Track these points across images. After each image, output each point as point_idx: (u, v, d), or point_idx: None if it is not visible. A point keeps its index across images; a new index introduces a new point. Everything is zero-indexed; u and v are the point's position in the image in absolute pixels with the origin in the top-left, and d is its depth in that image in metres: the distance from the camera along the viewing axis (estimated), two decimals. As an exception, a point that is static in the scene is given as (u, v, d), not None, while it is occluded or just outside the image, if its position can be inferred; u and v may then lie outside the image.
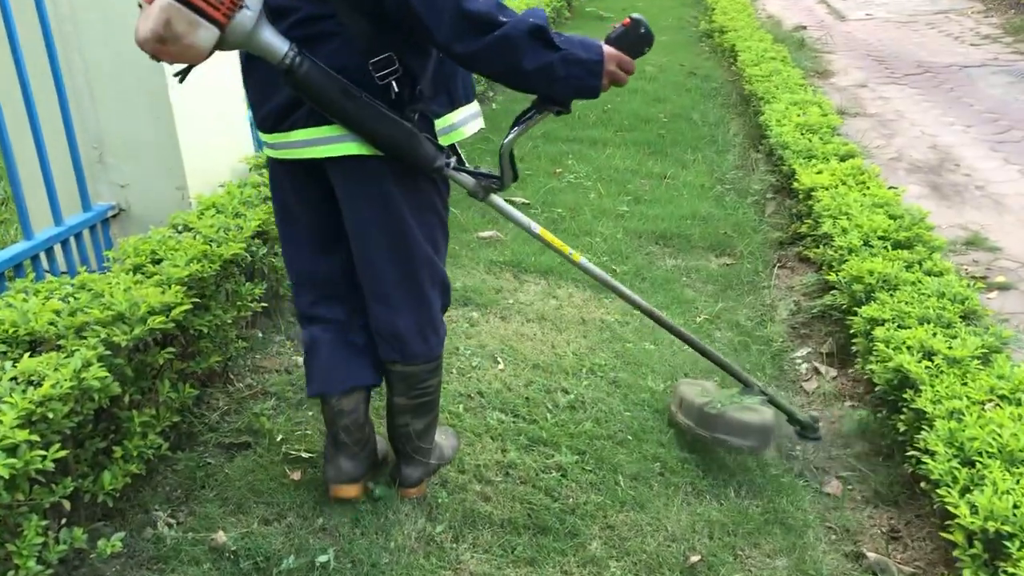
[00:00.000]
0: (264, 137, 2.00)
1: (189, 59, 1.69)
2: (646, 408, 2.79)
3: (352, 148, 1.87)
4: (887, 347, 2.73)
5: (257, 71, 1.93)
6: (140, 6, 1.67)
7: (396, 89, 1.82)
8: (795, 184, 4.36)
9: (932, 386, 2.49)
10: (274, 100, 1.90)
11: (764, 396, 2.71)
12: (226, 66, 3.20)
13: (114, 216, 3.14)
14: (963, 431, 2.22)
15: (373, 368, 2.23)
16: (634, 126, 6.14)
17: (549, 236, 2.31)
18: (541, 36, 1.79)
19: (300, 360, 2.92)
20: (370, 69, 1.79)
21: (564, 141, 5.72)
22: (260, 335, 3.02)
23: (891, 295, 3.06)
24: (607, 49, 1.87)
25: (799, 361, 3.34)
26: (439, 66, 1.94)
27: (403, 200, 1.97)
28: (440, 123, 1.97)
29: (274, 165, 2.07)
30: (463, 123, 2.05)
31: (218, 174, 3.27)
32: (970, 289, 3.04)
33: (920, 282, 3.14)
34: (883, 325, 2.89)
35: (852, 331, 3.07)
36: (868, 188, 4.10)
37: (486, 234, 4.14)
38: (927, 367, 2.58)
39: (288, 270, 2.24)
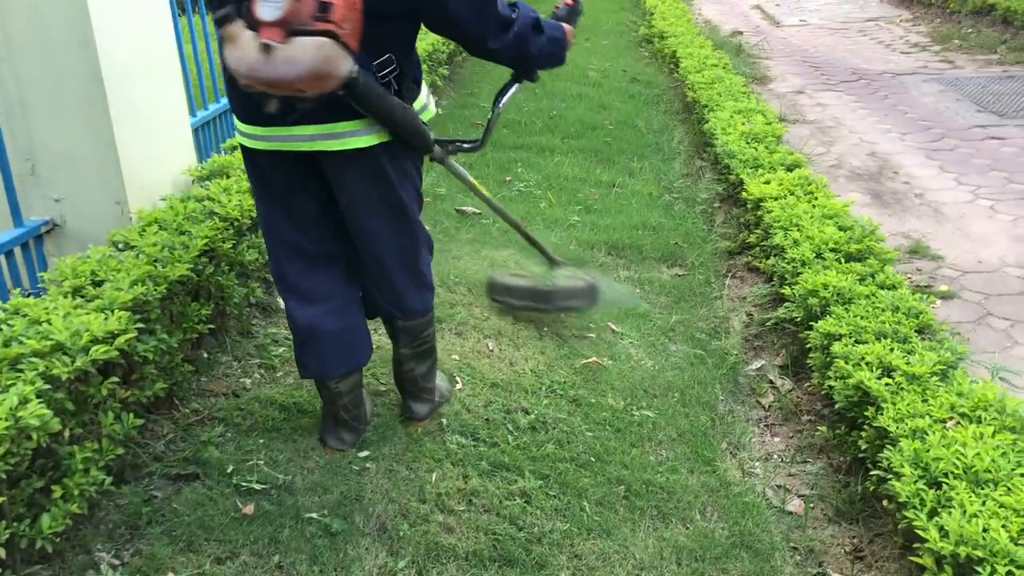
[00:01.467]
0: (255, 130, 2.09)
1: (324, 90, 1.84)
2: (607, 427, 2.75)
3: (362, 141, 2.07)
4: (846, 363, 2.73)
5: None
6: (266, 47, 1.74)
7: (396, 87, 2.09)
8: (743, 194, 4.37)
9: (894, 403, 2.50)
10: (277, 98, 1.93)
11: (571, 266, 3.35)
12: (167, 75, 3.07)
13: (48, 232, 2.97)
14: (927, 451, 2.23)
15: (367, 343, 2.48)
16: (581, 133, 6.11)
17: (479, 186, 2.79)
18: (537, 26, 2.27)
19: (248, 383, 2.81)
20: (374, 69, 2.01)
21: (512, 148, 5.66)
22: (206, 356, 2.89)
23: (846, 309, 3.07)
24: (566, 27, 2.45)
25: (754, 374, 3.34)
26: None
27: (396, 178, 2.20)
28: (416, 105, 2.20)
29: (259, 154, 2.16)
30: (429, 102, 2.31)
31: (159, 187, 3.13)
32: (923, 302, 3.07)
33: (874, 295, 3.15)
34: (840, 340, 2.89)
35: (808, 345, 3.08)
36: (816, 199, 4.13)
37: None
38: (887, 384, 2.58)
39: (274, 248, 2.33)
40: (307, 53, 1.75)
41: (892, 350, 2.76)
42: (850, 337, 2.90)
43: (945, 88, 8.44)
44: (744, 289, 4.10)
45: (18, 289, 2.62)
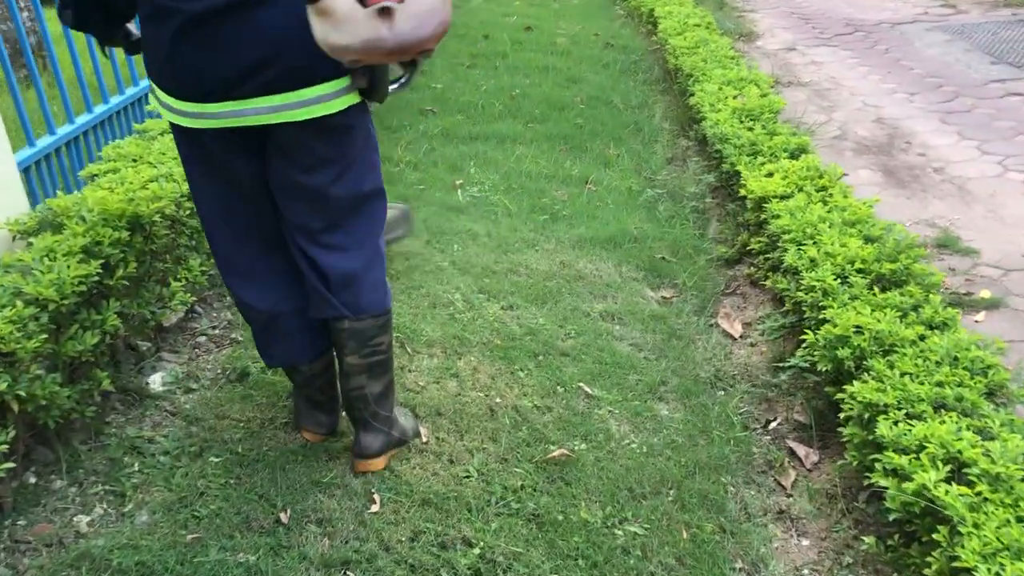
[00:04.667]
0: (198, 107, 1.81)
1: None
2: (580, 560, 2.02)
3: (334, 106, 1.83)
4: (899, 455, 2.01)
5: (188, 40, 1.75)
6: (385, 10, 1.51)
7: None
8: (742, 191, 3.61)
9: (976, 526, 1.78)
10: (223, 68, 1.76)
11: None
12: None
13: None
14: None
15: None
16: (547, 115, 5.31)
17: None
18: None
19: (84, 523, 2.05)
20: None
21: (467, 140, 4.86)
22: (34, 481, 2.14)
23: (889, 364, 2.34)
24: None
25: (769, 440, 2.61)
26: None
27: (361, 145, 1.96)
28: None
29: (199, 133, 1.90)
30: None
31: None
32: (991, 353, 2.33)
33: (923, 341, 2.42)
34: (886, 413, 2.16)
35: (840, 411, 2.35)
36: (831, 196, 3.38)
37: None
38: (961, 494, 1.86)
39: (218, 234, 2.08)
40: (434, 5, 1.54)
41: (960, 431, 2.03)
42: (899, 408, 2.17)
43: (951, 37, 7.64)
44: (748, 311, 3.35)
45: None
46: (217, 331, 2.92)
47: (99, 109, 3.64)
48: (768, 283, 3.22)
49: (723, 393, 2.81)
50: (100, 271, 2.21)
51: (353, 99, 1.86)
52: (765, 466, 2.51)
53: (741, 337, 3.17)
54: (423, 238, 3.49)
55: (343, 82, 1.82)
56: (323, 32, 1.57)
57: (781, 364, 2.82)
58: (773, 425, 2.69)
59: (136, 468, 2.21)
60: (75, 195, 2.53)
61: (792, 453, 2.57)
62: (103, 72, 3.78)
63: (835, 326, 2.50)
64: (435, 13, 1.55)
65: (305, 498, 2.13)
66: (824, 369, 2.51)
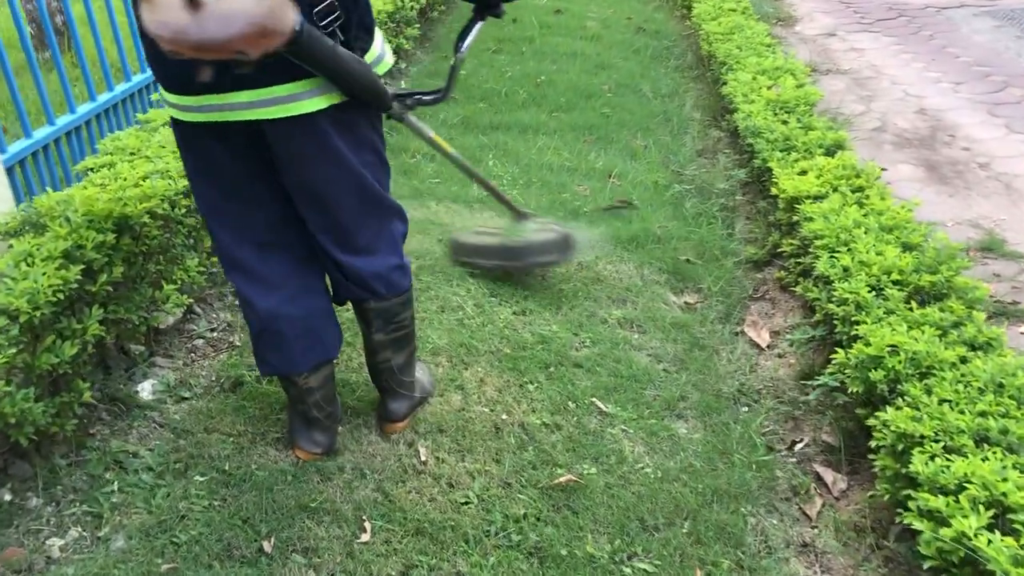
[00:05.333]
0: (185, 100, 1.79)
1: (268, 50, 1.53)
2: (585, 601, 1.86)
3: (310, 105, 1.78)
4: (936, 496, 1.83)
5: None
6: (194, 3, 1.41)
7: (341, 36, 1.77)
8: (773, 189, 3.41)
9: (1020, 583, 1.60)
10: (207, 63, 1.66)
11: (540, 218, 3.16)
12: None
13: None
14: None
15: (335, 332, 2.18)
16: (572, 104, 5.11)
17: (439, 140, 2.45)
18: None
19: (57, 548, 1.93)
20: (315, 18, 1.70)
21: (487, 130, 4.68)
22: (9, 499, 2.03)
23: (926, 388, 2.15)
24: None
25: (794, 464, 2.43)
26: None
27: (352, 145, 1.91)
28: (369, 58, 1.88)
29: (193, 128, 1.85)
30: (384, 52, 1.97)
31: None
32: (1039, 379, 2.14)
33: (964, 364, 2.23)
34: (922, 445, 1.98)
35: (872, 436, 2.17)
36: (867, 197, 3.17)
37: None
38: (1006, 545, 1.68)
39: (219, 231, 2.01)
40: (245, 5, 1.45)
41: (1004, 470, 1.85)
42: (936, 440, 1.98)
43: (1001, 23, 7.31)
44: (776, 318, 3.17)
45: None
46: (215, 334, 2.79)
47: (103, 98, 3.52)
48: (799, 289, 3.03)
49: (747, 410, 2.64)
50: (80, 277, 2.08)
51: (332, 100, 1.80)
52: (789, 492, 2.34)
53: (768, 347, 2.99)
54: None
55: (318, 81, 1.76)
56: (142, 16, 1.49)
57: (810, 380, 2.64)
58: (799, 447, 2.52)
59: (116, 487, 2.08)
60: (63, 192, 2.40)
61: (819, 478, 2.40)
62: (107, 60, 3.65)
63: (868, 344, 2.31)
64: (246, 14, 1.45)
65: (291, 524, 2.00)
66: (855, 391, 2.33)
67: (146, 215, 2.36)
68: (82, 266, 2.11)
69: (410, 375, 2.34)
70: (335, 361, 2.30)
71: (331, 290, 2.16)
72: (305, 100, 1.77)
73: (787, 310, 3.19)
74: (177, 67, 1.67)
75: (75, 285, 2.06)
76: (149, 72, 3.93)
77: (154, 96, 3.74)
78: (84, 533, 1.97)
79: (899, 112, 5.48)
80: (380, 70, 1.93)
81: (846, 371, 2.38)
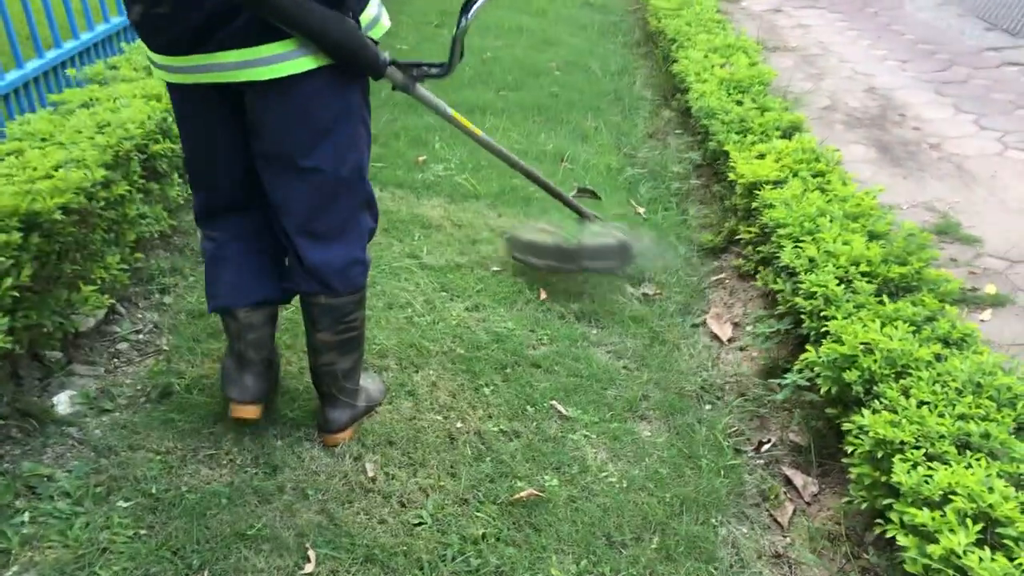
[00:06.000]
0: (169, 60, 1.75)
1: None
2: (550, 635, 1.72)
3: (295, 66, 1.71)
4: (920, 509, 1.73)
5: None
6: None
7: None
8: (731, 175, 3.29)
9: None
10: (190, 20, 1.66)
11: (599, 221, 3.03)
12: None
13: None
14: None
15: (281, 285, 2.09)
16: (520, 82, 4.93)
17: (462, 119, 2.39)
18: None
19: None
20: None
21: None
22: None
23: (903, 390, 2.05)
24: None
25: (761, 466, 2.32)
26: None
27: (334, 117, 1.82)
28: (364, 19, 1.79)
29: (176, 87, 1.83)
30: (381, 14, 1.88)
31: None
32: (1019, 378, 2.05)
33: (941, 361, 2.13)
34: (903, 452, 1.88)
35: (843, 435, 2.07)
36: (828, 183, 3.07)
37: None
38: (998, 565, 1.58)
39: (195, 184, 2.03)
40: None
41: (990, 477, 1.76)
42: (916, 447, 1.88)
43: (943, 1, 7.31)
44: (736, 308, 3.05)
45: None
46: (141, 336, 2.57)
47: (12, 75, 3.23)
48: (759, 280, 2.92)
49: (710, 408, 2.52)
50: (-20, 284, 1.86)
51: (320, 61, 1.73)
52: (758, 497, 2.23)
53: (730, 340, 2.87)
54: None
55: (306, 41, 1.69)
56: None
57: (775, 376, 2.53)
58: (766, 447, 2.41)
59: (27, 517, 1.87)
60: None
61: (788, 481, 2.29)
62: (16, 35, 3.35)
63: (840, 343, 2.20)
64: None
65: (227, 555, 1.81)
66: (827, 390, 2.22)
67: (58, 211, 2.12)
68: (-17, 270, 1.88)
69: (354, 382, 2.19)
70: (278, 312, 2.25)
71: (280, 282, 2.09)
72: (290, 60, 1.70)
73: (746, 300, 3.08)
74: (163, 24, 1.68)
75: None
76: (71, 44, 3.65)
77: (71, 72, 3.45)
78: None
79: (848, 91, 5.43)
80: (375, 34, 1.84)
81: (816, 369, 2.26)
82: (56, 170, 2.30)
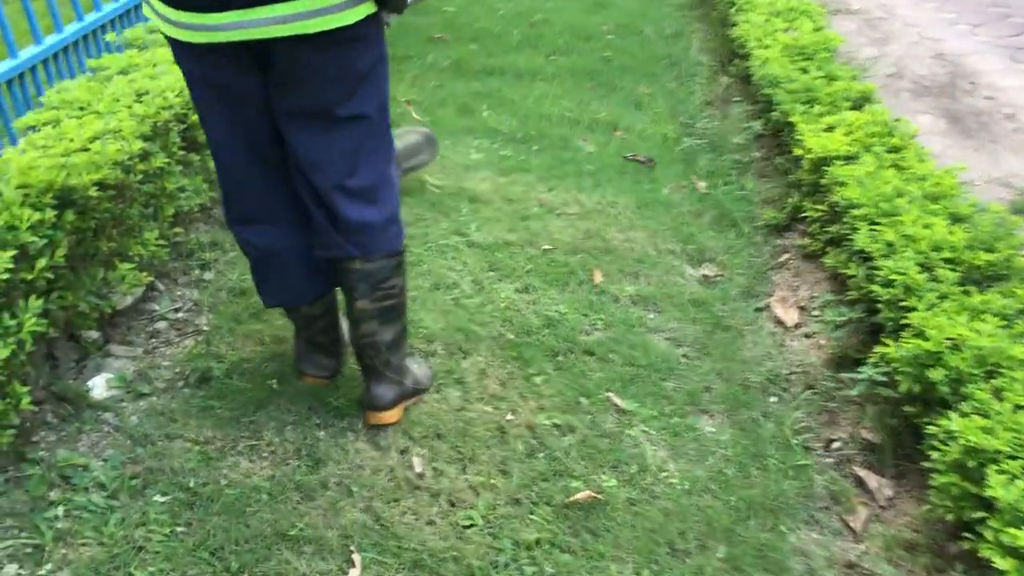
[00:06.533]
0: (197, 18, 1.61)
1: None
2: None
3: (350, 16, 1.63)
4: (1021, 528, 1.57)
5: None
6: None
7: None
8: (797, 149, 3.10)
9: None
10: None
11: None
12: None
13: None
14: None
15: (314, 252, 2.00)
16: (571, 46, 4.74)
17: None
18: None
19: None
20: None
21: (480, 75, 4.31)
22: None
23: (995, 392, 1.88)
24: None
25: (832, 465, 2.17)
26: None
27: (372, 63, 1.77)
28: None
29: (198, 49, 1.68)
30: None
31: None
32: None
33: (1036, 361, 1.96)
34: (997, 462, 1.72)
35: (922, 434, 1.91)
36: (904, 159, 2.87)
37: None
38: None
39: (220, 157, 1.89)
40: None
41: (1099, 496, 1.59)
42: (1013, 458, 1.72)
43: (1017, -40, 6.92)
44: (801, 290, 2.88)
45: None
46: (180, 314, 2.48)
47: (50, 39, 3.13)
48: (828, 261, 2.74)
49: (776, 401, 2.36)
50: (12, 265, 1.76)
51: (369, 9, 1.67)
52: (829, 500, 2.08)
53: (796, 326, 2.71)
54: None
55: None
56: None
57: (845, 367, 2.37)
58: (836, 444, 2.25)
59: (61, 511, 1.78)
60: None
61: (860, 483, 2.14)
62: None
63: (924, 338, 2.03)
64: None
65: (268, 557, 1.71)
66: (907, 389, 2.05)
67: (94, 187, 2.02)
68: (14, 251, 1.78)
69: (399, 357, 2.09)
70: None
71: (314, 249, 1.98)
72: (345, 11, 1.63)
73: (813, 282, 2.90)
74: None
75: (6, 275, 1.73)
76: (110, 7, 3.54)
77: (111, 36, 3.34)
78: (22, 572, 1.67)
79: (915, 57, 5.15)
80: None
81: (894, 364, 2.10)
82: (92, 142, 2.20)
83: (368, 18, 1.69)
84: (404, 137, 3.08)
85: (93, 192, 2.02)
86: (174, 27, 1.67)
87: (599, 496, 1.92)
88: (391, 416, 2.08)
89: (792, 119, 3.28)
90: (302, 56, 1.68)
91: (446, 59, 4.48)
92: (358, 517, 1.82)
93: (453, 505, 1.88)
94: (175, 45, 1.74)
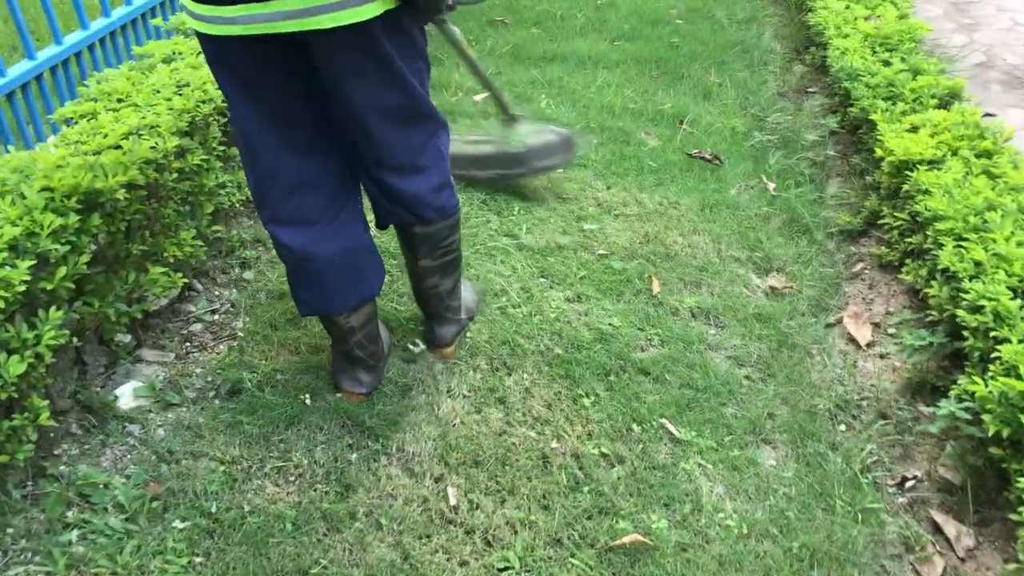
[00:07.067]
0: (221, 11, 1.57)
1: None
2: None
3: (368, 11, 1.59)
4: None
5: None
6: None
7: None
8: (878, 151, 2.87)
9: None
10: None
11: (532, 120, 3.04)
12: None
13: None
14: None
15: (377, 268, 2.04)
16: (637, 31, 4.53)
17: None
18: None
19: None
20: None
21: (540, 61, 4.14)
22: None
23: (1098, 443, 1.67)
24: None
25: (904, 508, 1.98)
26: None
27: (401, 58, 1.75)
28: None
29: (226, 42, 1.64)
30: None
31: None
32: None
33: None
34: (1099, 527, 1.52)
35: (1008, 479, 1.72)
36: (997, 165, 2.62)
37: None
38: None
39: (251, 155, 1.81)
40: None
41: None
42: (1119, 522, 1.52)
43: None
44: (876, 304, 2.68)
45: None
46: (216, 316, 2.38)
47: (97, 24, 3.05)
48: (907, 274, 2.52)
49: (845, 430, 2.18)
50: (29, 276, 1.67)
51: (388, 4, 1.63)
52: (901, 547, 1.90)
53: (868, 345, 2.50)
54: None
55: None
56: None
57: (923, 395, 2.17)
58: (910, 483, 2.06)
59: (76, 535, 1.70)
60: (24, 155, 1.97)
61: (937, 529, 1.95)
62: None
63: (1018, 376, 1.82)
64: None
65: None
66: (995, 429, 1.85)
67: (121, 189, 1.92)
68: (33, 260, 1.69)
69: (457, 298, 2.27)
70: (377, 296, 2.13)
71: (374, 214, 2.04)
72: (362, 7, 1.59)
73: (889, 296, 2.69)
74: None
75: (22, 287, 1.64)
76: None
77: (157, 20, 3.25)
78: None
79: (1007, 44, 4.82)
80: None
81: (983, 405, 1.90)
82: (126, 138, 2.10)
83: (396, 12, 1.65)
84: (541, 135, 2.97)
85: (121, 194, 1.92)
86: (196, 20, 1.64)
87: (647, 540, 1.77)
88: (453, 350, 2.27)
89: (872, 117, 3.04)
90: (334, 48, 1.66)
91: (506, 44, 4.31)
92: (385, 554, 1.70)
93: (488, 544, 1.75)
94: (200, 37, 1.71)
